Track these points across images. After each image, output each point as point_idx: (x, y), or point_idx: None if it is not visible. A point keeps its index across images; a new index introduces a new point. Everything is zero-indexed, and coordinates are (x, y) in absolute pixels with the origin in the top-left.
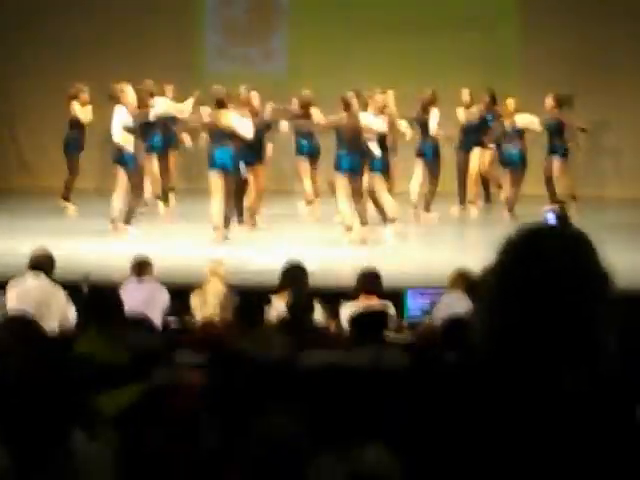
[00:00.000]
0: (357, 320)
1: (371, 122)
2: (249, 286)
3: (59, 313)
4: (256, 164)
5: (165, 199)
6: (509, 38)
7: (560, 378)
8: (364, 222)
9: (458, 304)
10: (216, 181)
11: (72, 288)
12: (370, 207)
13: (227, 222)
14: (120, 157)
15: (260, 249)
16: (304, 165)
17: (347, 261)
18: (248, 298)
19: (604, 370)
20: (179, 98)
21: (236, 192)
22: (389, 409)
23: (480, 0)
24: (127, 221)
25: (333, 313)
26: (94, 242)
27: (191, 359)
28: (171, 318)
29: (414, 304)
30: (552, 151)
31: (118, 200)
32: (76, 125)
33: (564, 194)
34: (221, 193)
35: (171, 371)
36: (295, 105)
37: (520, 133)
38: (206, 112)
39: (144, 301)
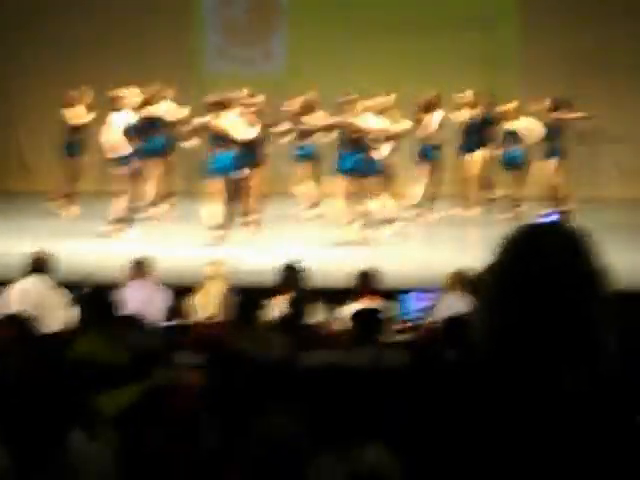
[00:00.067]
0: (356, 317)
1: (373, 124)
2: (249, 286)
3: (59, 314)
4: (255, 166)
5: (165, 201)
6: (509, 38)
7: (560, 377)
8: (365, 223)
9: (457, 304)
10: (216, 184)
11: (72, 289)
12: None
13: (226, 225)
14: (120, 159)
15: (259, 250)
16: (304, 169)
17: (347, 262)
18: (248, 298)
19: (604, 370)
20: (179, 98)
21: (235, 194)
22: (389, 409)
23: (480, 0)
24: (126, 222)
25: (333, 314)
26: (94, 243)
27: (191, 359)
28: (171, 319)
29: (414, 304)
30: (550, 154)
31: (118, 202)
32: (74, 130)
33: (559, 195)
34: (220, 196)
35: (171, 371)
36: (295, 106)
37: (523, 135)
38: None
39: (144, 302)
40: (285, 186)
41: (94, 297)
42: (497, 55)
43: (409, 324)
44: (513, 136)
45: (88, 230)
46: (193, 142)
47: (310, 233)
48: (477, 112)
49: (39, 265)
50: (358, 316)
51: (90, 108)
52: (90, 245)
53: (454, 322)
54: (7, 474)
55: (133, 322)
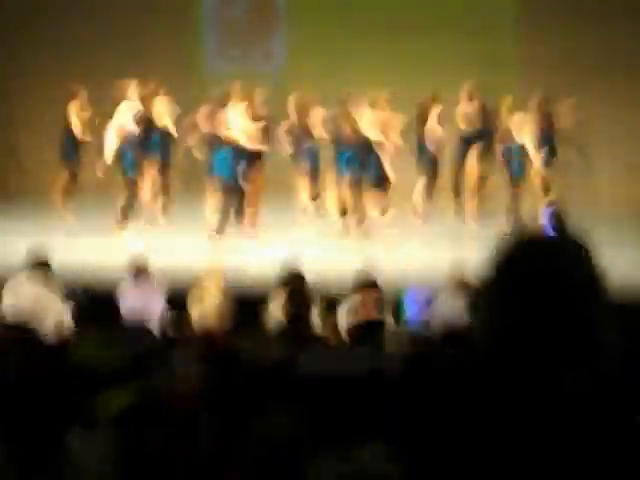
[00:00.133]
0: (355, 329)
1: (367, 124)
2: (247, 289)
3: (56, 315)
4: (255, 167)
5: (164, 203)
6: (508, 38)
7: (559, 378)
8: (362, 220)
9: (456, 304)
10: (214, 187)
11: (70, 290)
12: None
13: (223, 227)
14: (121, 160)
15: (258, 252)
16: (303, 170)
17: (346, 263)
18: (247, 299)
19: (603, 370)
20: (178, 98)
21: (235, 195)
22: (388, 410)
23: (479, 3)
24: (124, 224)
25: (331, 317)
26: (93, 245)
27: (189, 360)
28: (169, 320)
29: (413, 304)
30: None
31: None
32: (72, 132)
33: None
34: (219, 198)
35: (169, 372)
36: (291, 106)
37: (523, 149)
38: (203, 113)
39: (142, 303)
40: (285, 186)
41: (92, 299)
42: (496, 55)
43: (408, 325)
44: (513, 149)
45: (87, 232)
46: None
47: (309, 234)
48: (478, 114)
49: (36, 267)
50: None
51: (84, 108)
52: (88, 248)
53: (452, 325)
54: (7, 474)
55: (131, 324)
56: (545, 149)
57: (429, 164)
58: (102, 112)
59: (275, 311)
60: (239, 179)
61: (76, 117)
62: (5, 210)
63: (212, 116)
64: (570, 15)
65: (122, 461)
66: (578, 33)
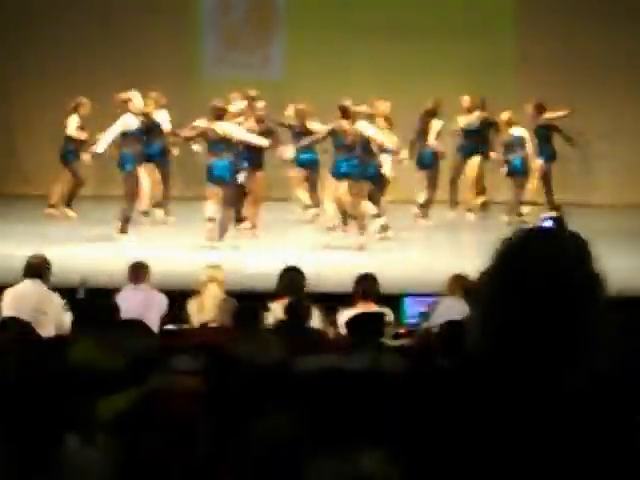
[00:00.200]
0: (353, 323)
1: (369, 130)
2: (247, 291)
3: (55, 319)
4: (255, 170)
5: (163, 206)
6: (508, 40)
7: (557, 379)
8: (363, 227)
9: (456, 309)
10: (214, 192)
11: (68, 294)
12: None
13: (223, 231)
14: (120, 162)
15: (258, 254)
16: (301, 176)
17: (346, 266)
18: (246, 303)
19: (603, 370)
20: (177, 103)
21: (235, 199)
22: (388, 412)
23: (479, 4)
24: (124, 227)
25: (331, 319)
26: (91, 248)
27: (188, 364)
28: (168, 323)
29: (412, 309)
30: (539, 155)
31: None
32: (71, 138)
33: (540, 198)
34: (219, 202)
35: (168, 376)
36: (291, 113)
37: (522, 141)
38: (202, 123)
39: (141, 306)
40: (284, 191)
41: (90, 302)
42: (495, 59)
43: (407, 329)
44: (514, 144)
45: (86, 235)
46: (198, 147)
47: (309, 237)
48: (478, 116)
49: (35, 269)
50: (356, 320)
51: (86, 119)
52: (87, 250)
53: (452, 327)
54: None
55: (130, 327)
56: (544, 152)
57: (430, 175)
58: (101, 116)
59: (275, 311)
60: (240, 182)
61: (77, 128)
62: (3, 213)
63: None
64: (570, 15)
65: (119, 466)
66: (578, 34)
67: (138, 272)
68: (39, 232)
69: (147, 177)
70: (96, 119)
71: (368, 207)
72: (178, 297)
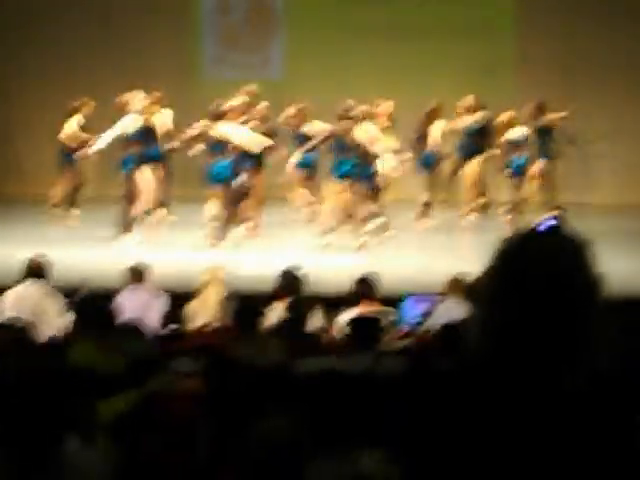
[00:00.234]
0: (353, 325)
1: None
2: (247, 292)
3: (55, 320)
4: (256, 171)
5: (164, 207)
6: (507, 43)
7: (557, 379)
8: (362, 228)
9: (456, 310)
10: (215, 193)
11: (69, 295)
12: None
13: (224, 232)
14: (121, 163)
15: (258, 256)
16: (300, 177)
17: (346, 268)
18: (246, 304)
19: (600, 371)
20: (177, 103)
21: (236, 199)
22: (387, 413)
23: (479, 8)
24: (126, 228)
25: (332, 320)
26: (92, 249)
27: (188, 366)
28: (168, 325)
29: (412, 310)
30: (540, 156)
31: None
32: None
33: (541, 199)
34: (219, 203)
35: (168, 378)
36: (291, 114)
37: (525, 142)
38: (202, 125)
39: (141, 308)
40: (284, 192)
41: (90, 304)
42: (496, 59)
43: (407, 330)
44: (517, 143)
45: (86, 236)
46: (197, 149)
47: (308, 238)
48: (479, 116)
49: (35, 271)
50: (356, 323)
51: (89, 119)
52: (87, 251)
53: (451, 329)
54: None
55: (130, 329)
56: (545, 152)
57: (431, 176)
58: (100, 119)
59: (275, 313)
60: (241, 183)
61: (78, 128)
62: (3, 215)
63: (213, 124)
64: (570, 15)
65: (121, 466)
66: (578, 34)
67: (138, 273)
68: (39, 233)
69: (151, 177)
70: (96, 120)
71: (367, 207)
72: (178, 299)
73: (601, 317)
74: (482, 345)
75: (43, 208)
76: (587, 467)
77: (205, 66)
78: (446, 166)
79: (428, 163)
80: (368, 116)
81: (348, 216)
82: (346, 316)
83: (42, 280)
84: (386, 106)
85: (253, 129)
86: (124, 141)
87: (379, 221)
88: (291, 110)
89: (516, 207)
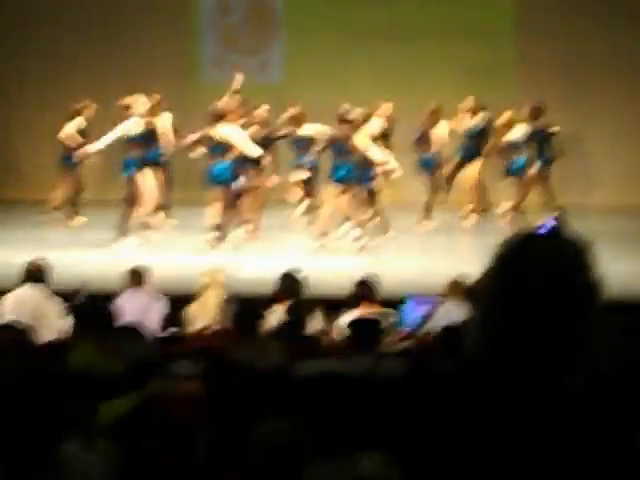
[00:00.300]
0: (353, 327)
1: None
2: (247, 295)
3: (55, 323)
4: (257, 173)
5: (165, 210)
6: (507, 44)
7: (557, 379)
8: (362, 231)
9: (456, 312)
10: (215, 195)
11: (69, 298)
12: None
13: (224, 233)
14: (122, 167)
15: (257, 258)
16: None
17: (346, 270)
18: (246, 306)
19: (600, 371)
20: (176, 105)
21: (235, 201)
22: (387, 416)
23: (479, 9)
24: (126, 231)
25: (332, 322)
26: (92, 252)
27: (188, 369)
28: (167, 328)
29: (412, 312)
30: (538, 158)
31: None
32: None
33: (540, 200)
34: (220, 205)
35: (167, 381)
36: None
37: (527, 143)
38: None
39: (141, 311)
40: (284, 195)
41: (89, 307)
42: (496, 60)
43: (407, 333)
44: (518, 145)
45: (86, 239)
46: (199, 152)
47: (308, 240)
48: (480, 118)
49: (35, 274)
50: (356, 325)
51: (90, 121)
52: (87, 254)
53: (451, 331)
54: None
55: (129, 331)
56: (542, 155)
57: (432, 178)
58: (101, 115)
59: (274, 318)
60: (240, 187)
61: (78, 131)
62: (2, 219)
63: (211, 126)
64: (570, 16)
65: (121, 469)
66: (578, 34)
67: (137, 277)
68: (38, 237)
69: (152, 180)
70: (96, 121)
71: (367, 210)
72: (178, 301)
73: (601, 318)
74: (482, 346)
75: (43, 211)
76: (588, 467)
77: (204, 68)
78: (447, 168)
79: (429, 165)
80: (367, 119)
81: (347, 219)
82: (346, 318)
83: (42, 283)
84: (385, 108)
85: (253, 134)
86: (125, 144)
87: (378, 223)
88: (286, 115)
89: (516, 209)
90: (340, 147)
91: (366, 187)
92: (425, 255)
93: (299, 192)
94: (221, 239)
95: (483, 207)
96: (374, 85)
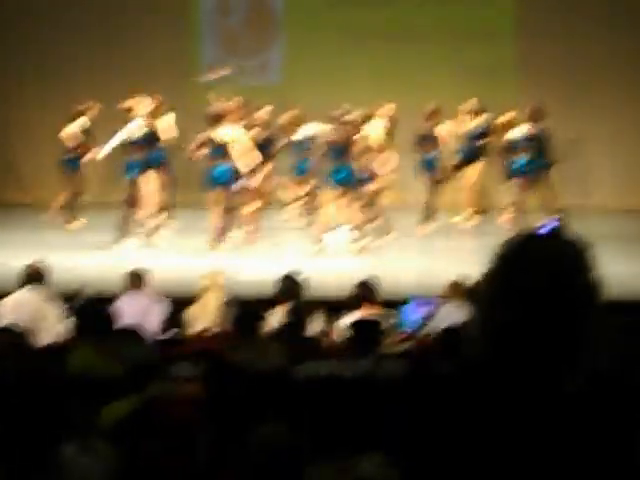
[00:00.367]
0: (354, 328)
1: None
2: (247, 297)
3: (54, 326)
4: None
5: (166, 212)
6: (508, 45)
7: (557, 379)
8: (362, 233)
9: (456, 314)
10: (216, 197)
11: (68, 300)
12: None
13: (224, 235)
14: (124, 169)
15: (258, 260)
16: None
17: (346, 272)
18: (246, 308)
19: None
20: (176, 106)
21: (235, 203)
22: (387, 418)
23: (479, 10)
24: (126, 233)
25: (333, 324)
26: (92, 255)
27: (188, 371)
28: (167, 330)
29: (413, 314)
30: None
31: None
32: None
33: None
34: (220, 207)
35: (167, 383)
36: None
37: (529, 143)
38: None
39: (141, 312)
40: (283, 196)
41: (89, 310)
42: (496, 61)
43: (408, 334)
44: (519, 145)
45: (86, 241)
46: (201, 154)
47: (309, 243)
48: (479, 122)
49: (34, 277)
50: (356, 326)
51: (95, 121)
52: (87, 256)
53: (451, 332)
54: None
55: (129, 334)
56: (541, 157)
57: (432, 180)
58: (101, 124)
59: (275, 320)
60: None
61: (81, 131)
62: (2, 222)
63: (211, 129)
64: (570, 16)
65: (120, 471)
66: (578, 35)
67: (138, 278)
68: (39, 238)
69: (153, 183)
70: (97, 121)
71: (366, 212)
72: (179, 304)
73: (601, 318)
74: (482, 347)
75: (42, 213)
76: (588, 468)
77: (204, 69)
78: (448, 169)
79: (430, 166)
80: (367, 120)
81: (346, 221)
82: (347, 320)
83: (41, 286)
84: (388, 108)
85: (254, 136)
86: (127, 146)
87: (379, 225)
88: (284, 117)
89: (517, 209)
90: (339, 149)
91: (366, 189)
92: (425, 256)
93: (297, 192)
94: (221, 241)
95: (482, 209)
96: (374, 86)
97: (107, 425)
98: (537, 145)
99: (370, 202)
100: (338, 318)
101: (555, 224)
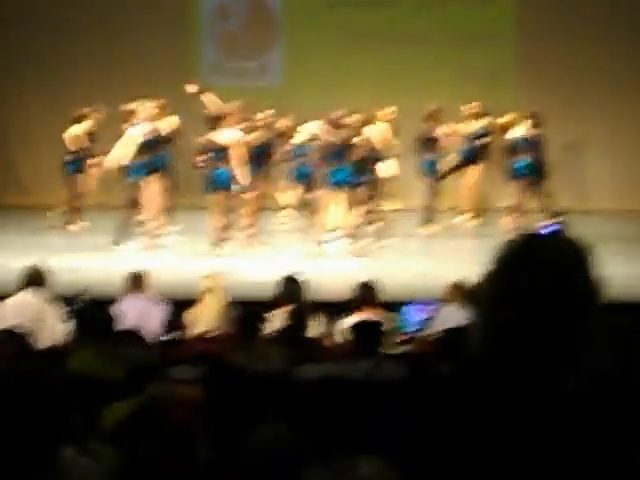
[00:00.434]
0: (355, 330)
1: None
2: (248, 299)
3: (55, 328)
4: (258, 178)
5: (167, 215)
6: (508, 47)
7: (558, 380)
8: (362, 234)
9: (456, 315)
10: (215, 200)
11: (69, 302)
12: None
13: (224, 237)
14: (126, 172)
15: (259, 262)
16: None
17: (347, 274)
18: (247, 311)
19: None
20: (176, 109)
21: (235, 206)
22: (386, 420)
23: (479, 12)
24: (127, 236)
25: (334, 326)
26: (92, 257)
27: (187, 373)
28: (168, 332)
29: (413, 316)
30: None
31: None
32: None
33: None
34: (220, 209)
35: (167, 385)
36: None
37: (532, 144)
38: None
39: (141, 315)
40: (282, 199)
41: (89, 312)
42: (496, 64)
43: (408, 336)
44: (521, 146)
45: (87, 244)
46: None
47: (308, 245)
48: (480, 124)
49: (35, 279)
50: (357, 328)
51: (100, 124)
52: (88, 258)
53: (452, 333)
54: None
55: (129, 336)
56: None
57: (432, 182)
58: (101, 126)
59: (276, 323)
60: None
61: (85, 135)
62: (2, 224)
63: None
64: (570, 18)
65: (119, 474)
66: (578, 37)
67: (137, 281)
68: (39, 241)
69: (155, 186)
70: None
71: (366, 213)
72: (179, 306)
73: (601, 319)
74: (483, 347)
75: (42, 216)
76: (588, 468)
77: (203, 74)
78: (449, 171)
79: (432, 167)
80: (366, 123)
81: (346, 222)
82: (348, 322)
83: (42, 288)
84: (388, 112)
85: (255, 139)
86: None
87: (379, 226)
88: (283, 122)
89: (517, 211)
90: (338, 151)
91: (365, 190)
92: (426, 258)
93: (296, 195)
94: (222, 243)
95: (481, 211)
96: (374, 88)
97: (107, 427)
98: (535, 150)
99: (371, 204)
100: (339, 320)
101: (556, 226)
